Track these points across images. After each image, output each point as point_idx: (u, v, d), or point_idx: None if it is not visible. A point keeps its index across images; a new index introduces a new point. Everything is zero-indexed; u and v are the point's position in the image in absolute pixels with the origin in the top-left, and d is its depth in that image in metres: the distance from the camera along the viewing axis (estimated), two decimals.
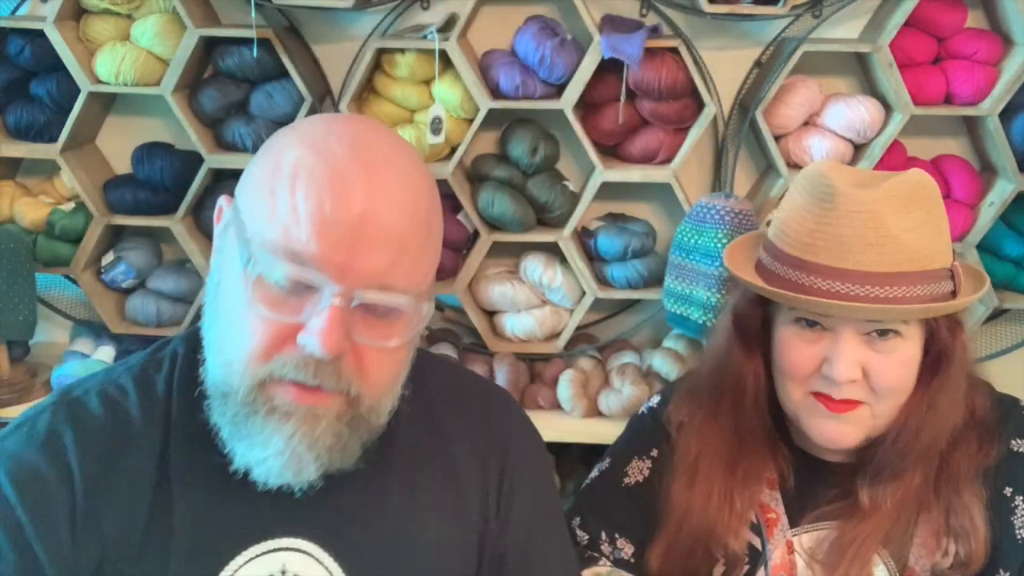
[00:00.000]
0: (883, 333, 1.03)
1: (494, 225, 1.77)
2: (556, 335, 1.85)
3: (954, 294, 1.03)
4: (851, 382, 1.03)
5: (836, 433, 1.07)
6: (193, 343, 0.90)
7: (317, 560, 0.87)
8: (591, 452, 1.69)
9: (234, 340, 0.78)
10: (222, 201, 0.84)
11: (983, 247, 1.74)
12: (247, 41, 1.68)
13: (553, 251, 1.82)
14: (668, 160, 1.73)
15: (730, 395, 1.15)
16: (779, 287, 1.06)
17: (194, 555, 0.84)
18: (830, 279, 1.01)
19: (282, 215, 0.75)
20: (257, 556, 0.85)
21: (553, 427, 1.72)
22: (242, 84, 1.76)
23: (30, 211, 1.80)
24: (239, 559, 0.85)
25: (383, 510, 0.90)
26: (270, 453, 0.79)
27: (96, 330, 1.90)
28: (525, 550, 0.95)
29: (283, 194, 0.75)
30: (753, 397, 1.13)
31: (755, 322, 1.13)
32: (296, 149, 0.77)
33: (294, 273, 0.75)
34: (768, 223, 1.24)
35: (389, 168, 0.78)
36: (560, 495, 1.82)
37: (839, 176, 1.05)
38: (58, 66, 1.71)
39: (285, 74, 1.70)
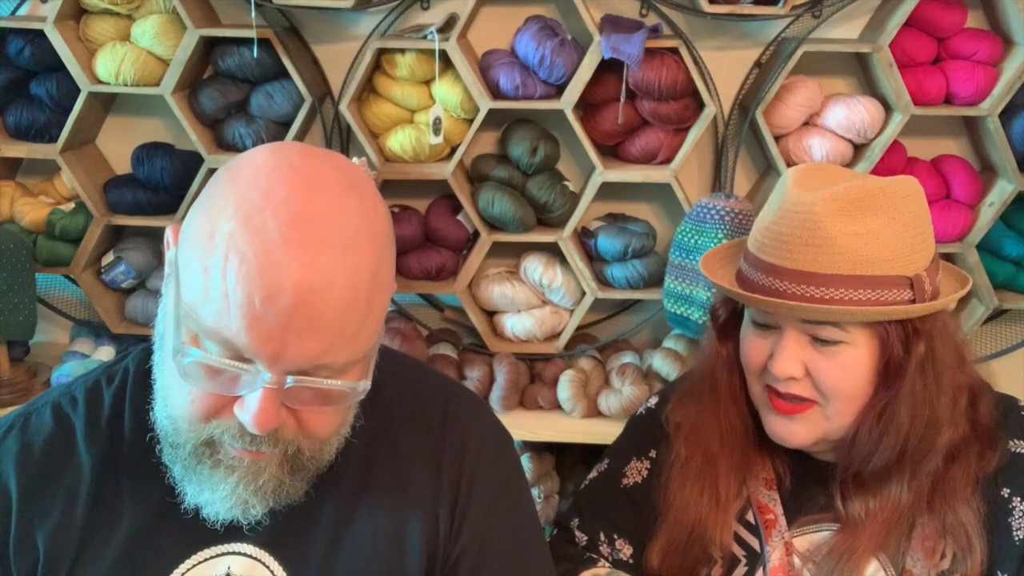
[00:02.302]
0: (824, 340, 1.03)
1: (494, 225, 1.77)
2: (556, 335, 1.85)
3: (913, 304, 1.02)
4: (792, 379, 1.05)
5: (785, 431, 1.09)
6: (144, 362, 0.92)
7: (263, 564, 0.89)
8: (591, 452, 1.69)
9: (176, 399, 0.80)
10: (169, 234, 0.82)
11: (983, 247, 1.74)
12: (247, 41, 1.68)
13: (553, 251, 1.82)
14: (668, 160, 1.73)
15: (709, 387, 1.17)
16: (733, 284, 1.09)
17: (137, 561, 0.87)
18: (772, 276, 1.04)
19: (214, 299, 0.73)
20: (202, 561, 0.88)
21: (553, 427, 1.72)
22: (242, 84, 1.76)
23: (30, 211, 1.80)
24: (184, 564, 0.88)
25: (328, 516, 0.90)
26: (218, 497, 0.82)
27: (96, 330, 1.90)
28: (479, 558, 0.94)
29: (216, 275, 0.73)
30: (728, 387, 1.15)
31: (727, 315, 1.16)
32: (233, 219, 0.73)
33: (225, 361, 0.75)
34: None
35: (327, 247, 0.74)
36: (560, 495, 1.83)
37: (806, 177, 1.06)
38: (58, 66, 1.71)
39: (285, 74, 1.70)
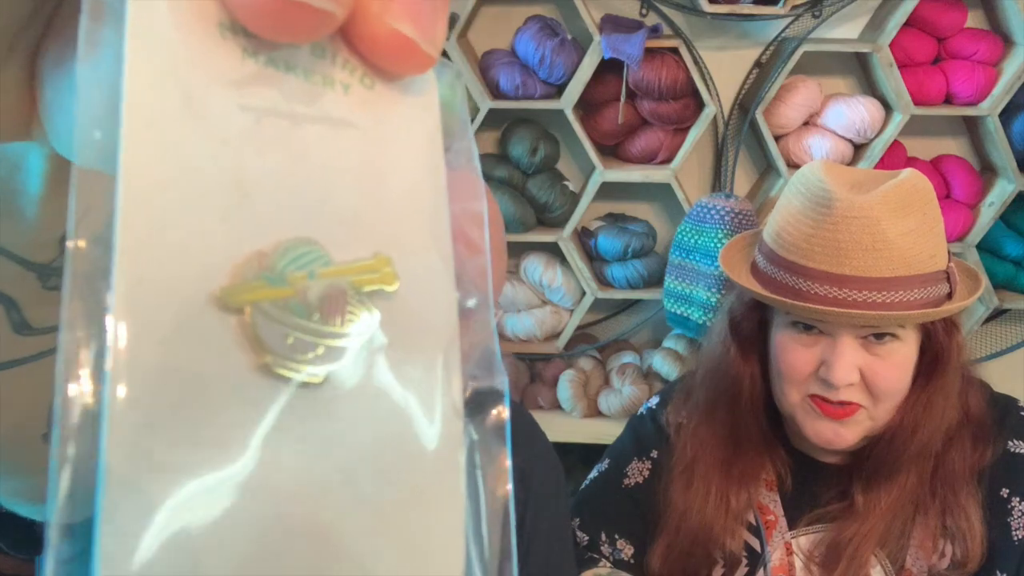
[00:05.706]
0: (880, 336, 1.02)
1: None
2: (556, 335, 1.85)
3: (950, 296, 1.03)
4: (849, 385, 1.03)
5: (833, 434, 1.07)
6: None
7: None
8: (591, 452, 1.69)
9: None
10: None
11: (983, 247, 1.74)
12: None
13: (553, 251, 1.82)
14: (668, 160, 1.73)
15: (726, 397, 1.14)
16: (776, 292, 1.05)
17: None
18: (827, 284, 1.01)
19: None
20: None
21: (553, 427, 1.72)
22: None
23: None
24: None
25: None
26: None
27: None
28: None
29: None
30: (749, 399, 1.13)
31: (751, 325, 1.13)
32: None
33: None
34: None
35: None
36: None
37: (835, 179, 1.04)
38: None
39: None
